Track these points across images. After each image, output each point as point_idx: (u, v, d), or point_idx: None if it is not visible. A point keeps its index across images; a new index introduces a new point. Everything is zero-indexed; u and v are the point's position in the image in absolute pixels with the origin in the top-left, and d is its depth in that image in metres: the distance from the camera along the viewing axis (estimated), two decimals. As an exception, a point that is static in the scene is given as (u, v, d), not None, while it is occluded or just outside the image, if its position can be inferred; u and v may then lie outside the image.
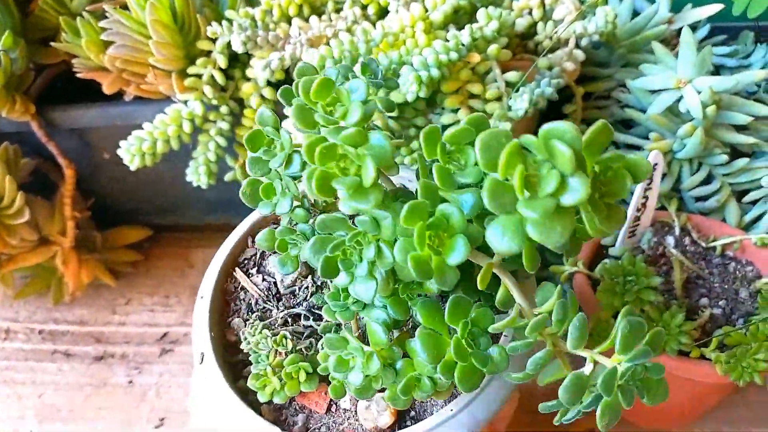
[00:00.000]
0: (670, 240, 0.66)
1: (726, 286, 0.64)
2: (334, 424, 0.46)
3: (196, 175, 0.72)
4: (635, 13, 0.80)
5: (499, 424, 0.50)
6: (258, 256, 0.55)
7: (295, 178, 0.43)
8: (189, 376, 0.75)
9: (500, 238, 0.30)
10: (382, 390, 0.42)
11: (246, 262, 0.55)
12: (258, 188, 0.44)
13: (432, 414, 0.45)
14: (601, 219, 0.31)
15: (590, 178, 0.29)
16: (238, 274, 0.54)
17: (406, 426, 0.44)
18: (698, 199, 0.71)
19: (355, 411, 0.46)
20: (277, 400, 0.44)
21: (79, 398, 0.75)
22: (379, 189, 0.34)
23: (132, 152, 0.69)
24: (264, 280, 0.53)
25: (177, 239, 0.93)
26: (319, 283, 0.52)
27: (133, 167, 0.70)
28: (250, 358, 0.47)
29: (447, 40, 0.60)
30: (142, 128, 0.70)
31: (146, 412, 0.73)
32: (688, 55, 0.67)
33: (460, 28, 0.63)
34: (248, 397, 0.46)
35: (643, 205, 0.64)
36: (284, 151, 0.41)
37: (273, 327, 0.49)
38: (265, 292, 0.52)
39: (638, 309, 0.55)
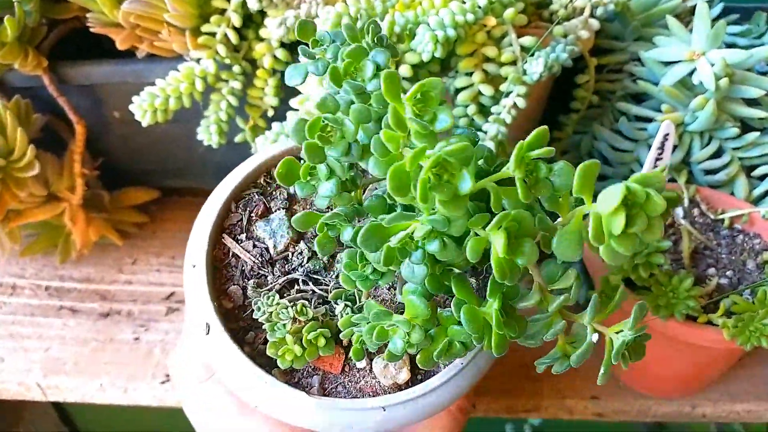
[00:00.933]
0: (679, 211, 0.67)
1: (733, 257, 0.64)
2: (350, 383, 0.47)
3: (207, 133, 0.72)
4: (650, -13, 0.80)
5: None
6: (245, 221, 0.53)
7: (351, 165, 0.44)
8: (195, 334, 0.76)
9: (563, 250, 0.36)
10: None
11: (233, 227, 0.54)
12: (294, 168, 0.44)
13: (439, 369, 0.47)
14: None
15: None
16: (227, 240, 0.52)
17: (419, 381, 0.47)
18: (708, 172, 0.71)
19: (370, 370, 0.48)
20: (296, 366, 0.45)
21: (85, 353, 0.75)
22: (467, 198, 0.35)
23: (144, 108, 0.69)
24: (255, 246, 0.52)
25: (184, 202, 0.93)
26: (314, 249, 0.51)
27: (144, 123, 0.70)
28: (263, 325, 0.47)
29: (464, 2, 0.60)
30: (155, 85, 0.70)
31: (152, 368, 0.74)
32: (702, 27, 0.67)
33: (477, -9, 0.63)
34: (257, 361, 0.46)
35: (653, 175, 0.65)
36: (344, 140, 0.42)
37: (270, 293, 0.49)
38: (258, 258, 0.51)
39: (647, 273, 0.56)
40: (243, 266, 0.51)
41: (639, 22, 0.77)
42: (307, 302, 0.48)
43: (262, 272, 0.51)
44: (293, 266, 0.51)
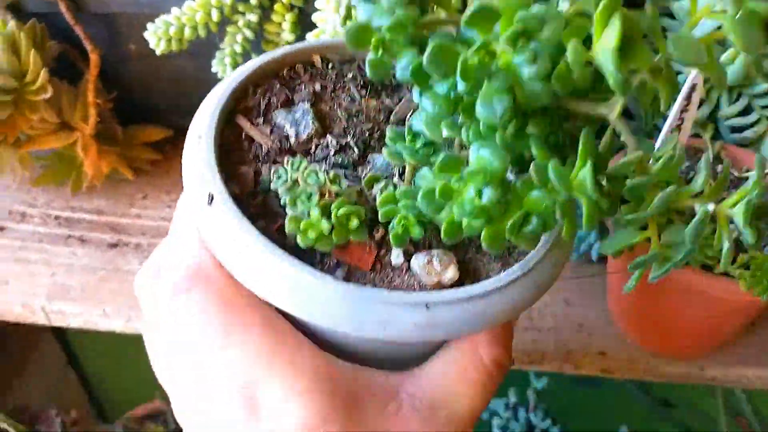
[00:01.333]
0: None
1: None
2: (382, 281, 0.41)
3: (222, 65, 0.71)
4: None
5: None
6: (263, 106, 0.48)
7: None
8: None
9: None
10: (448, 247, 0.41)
11: (248, 111, 0.48)
12: None
13: (485, 276, 0.42)
14: None
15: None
16: (242, 120, 0.47)
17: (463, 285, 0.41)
18: (734, 129, 0.69)
19: (407, 269, 0.42)
20: (320, 247, 0.39)
21: (92, 281, 0.75)
22: None
23: (158, 35, 0.68)
24: (273, 132, 0.47)
25: (198, 142, 0.92)
26: (343, 143, 0.48)
27: (158, 51, 0.69)
28: (278, 211, 0.41)
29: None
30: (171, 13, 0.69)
31: (155, 300, 0.73)
32: (740, -26, 0.64)
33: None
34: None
35: (678, 127, 0.62)
36: None
37: (293, 158, 0.44)
38: (277, 143, 0.46)
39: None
40: (257, 150, 0.46)
41: (672, -25, 0.74)
42: (341, 175, 0.42)
43: (278, 159, 0.46)
44: (316, 159, 0.46)
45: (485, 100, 0.31)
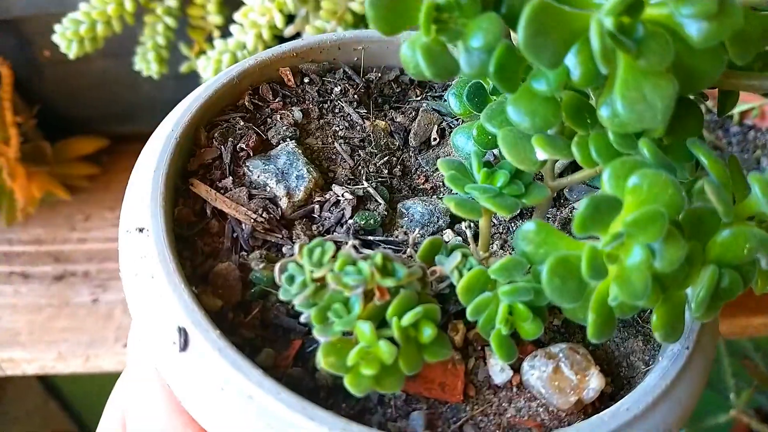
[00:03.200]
0: (684, 108, 0.59)
1: (746, 156, 0.57)
2: (487, 416, 0.26)
3: (145, 62, 0.64)
4: None
5: None
6: (227, 159, 0.33)
7: None
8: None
9: None
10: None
11: (205, 170, 0.33)
12: None
13: (627, 366, 0.29)
14: None
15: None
16: (201, 189, 0.31)
17: (604, 395, 0.28)
18: None
19: (517, 385, 0.27)
20: (384, 390, 0.24)
21: (40, 320, 0.69)
22: None
23: (68, 37, 0.60)
24: (252, 197, 0.32)
25: (137, 149, 0.82)
26: (360, 193, 0.33)
27: (71, 54, 0.61)
28: (293, 327, 0.27)
29: None
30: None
31: (113, 331, 0.67)
32: None
33: None
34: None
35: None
36: None
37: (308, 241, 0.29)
38: (264, 216, 0.31)
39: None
40: (234, 231, 0.31)
41: None
42: (393, 258, 0.26)
43: (271, 239, 0.31)
44: (326, 225, 0.32)
45: (629, 93, 0.19)
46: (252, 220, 0.31)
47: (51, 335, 0.67)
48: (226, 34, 0.65)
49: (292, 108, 0.37)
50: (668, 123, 0.21)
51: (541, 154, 0.24)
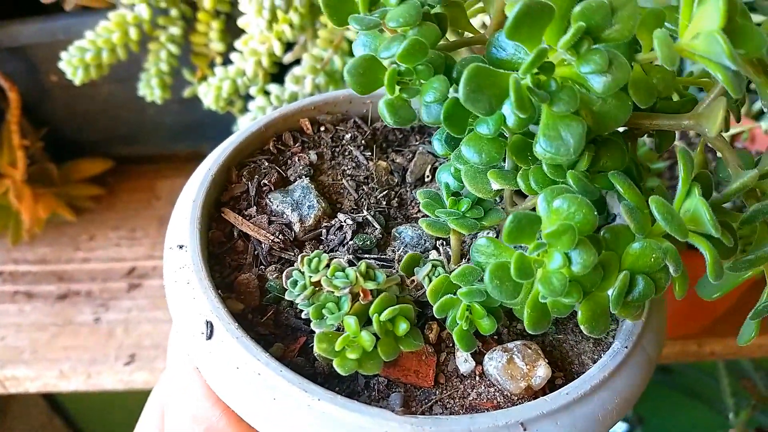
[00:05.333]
0: (676, 132, 0.61)
1: (735, 179, 0.58)
2: (452, 399, 0.31)
3: (148, 88, 0.65)
4: None
5: None
6: (253, 192, 0.40)
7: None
8: (158, 309, 0.70)
9: None
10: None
11: (235, 201, 0.40)
12: None
13: (578, 363, 0.33)
14: None
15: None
16: (230, 215, 0.39)
17: (556, 386, 0.31)
18: (703, 89, 0.65)
19: (480, 374, 0.32)
20: (365, 372, 0.30)
21: (43, 339, 0.70)
22: None
23: (74, 64, 0.62)
24: (271, 222, 0.38)
25: (141, 170, 0.86)
26: (360, 220, 0.39)
27: (77, 81, 0.63)
28: (297, 327, 0.33)
29: None
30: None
31: (114, 350, 0.68)
32: None
33: None
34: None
35: None
36: None
37: (309, 255, 0.35)
38: (279, 237, 0.37)
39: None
40: (256, 249, 0.37)
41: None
42: (374, 264, 0.33)
43: (285, 256, 0.37)
44: (331, 246, 0.38)
45: (549, 132, 0.24)
46: (270, 241, 0.37)
47: (54, 353, 0.68)
48: (228, 60, 0.67)
49: (309, 151, 0.43)
50: (595, 157, 0.27)
51: (495, 185, 0.29)
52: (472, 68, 0.23)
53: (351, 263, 0.34)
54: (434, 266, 0.33)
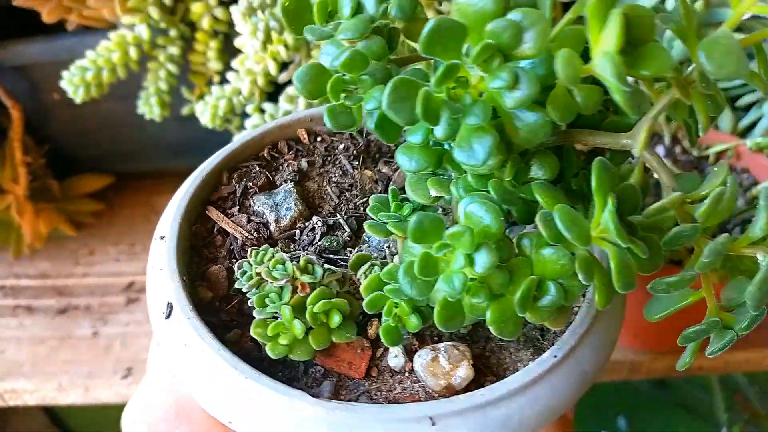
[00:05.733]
0: (661, 150, 0.62)
1: (721, 195, 0.59)
2: (380, 391, 0.33)
3: (148, 106, 0.67)
4: None
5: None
6: (239, 193, 0.43)
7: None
8: (156, 323, 0.71)
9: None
10: (457, 338, 0.34)
11: (222, 201, 0.43)
12: (307, 4, 0.31)
13: (513, 369, 0.34)
14: None
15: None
16: (213, 213, 0.41)
17: (484, 386, 0.32)
18: (689, 106, 0.66)
19: (410, 371, 0.34)
20: (296, 357, 0.33)
21: (43, 352, 0.71)
22: None
23: (75, 83, 0.64)
24: (250, 221, 0.41)
25: (141, 186, 0.88)
26: (330, 223, 0.41)
27: (78, 99, 0.65)
28: (254, 307, 0.34)
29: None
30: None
31: (112, 363, 0.69)
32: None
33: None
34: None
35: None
36: None
37: (258, 248, 0.38)
38: (253, 234, 0.40)
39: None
40: (231, 245, 0.40)
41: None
42: (314, 260, 0.36)
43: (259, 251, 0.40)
44: (302, 245, 0.40)
45: (462, 143, 0.25)
46: (244, 237, 0.40)
47: (52, 367, 0.69)
48: (225, 79, 0.69)
49: (301, 159, 0.45)
50: (525, 168, 0.29)
51: (433, 192, 0.31)
52: (395, 80, 0.25)
53: (311, 261, 0.36)
54: (372, 265, 0.35)
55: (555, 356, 0.32)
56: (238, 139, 0.45)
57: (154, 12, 0.63)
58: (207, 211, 0.42)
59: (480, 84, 0.25)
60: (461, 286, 0.26)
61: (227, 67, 0.67)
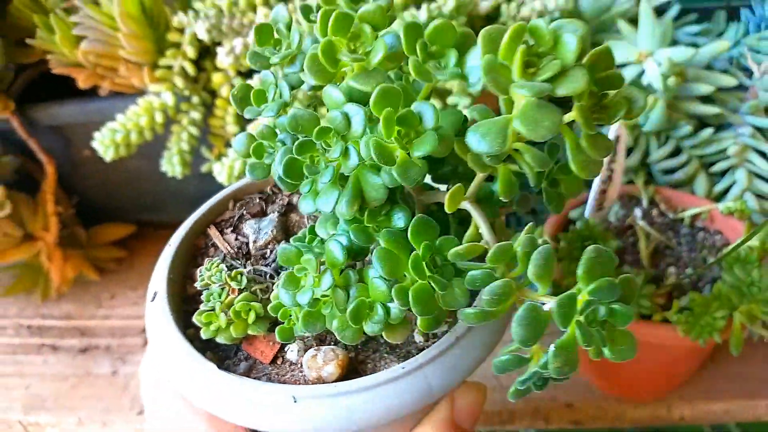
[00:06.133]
0: (638, 212, 0.67)
1: (693, 255, 0.64)
2: (276, 375, 0.43)
3: (170, 165, 0.74)
4: (603, -7, 0.81)
5: (466, 421, 0.44)
6: (236, 218, 0.53)
7: (293, 88, 0.42)
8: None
9: (480, 139, 0.30)
10: (334, 343, 0.42)
11: (223, 222, 0.53)
12: (249, 93, 0.42)
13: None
14: (589, 141, 0.30)
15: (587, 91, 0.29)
16: (212, 231, 0.52)
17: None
18: (667, 171, 0.71)
19: (301, 365, 0.43)
20: (220, 340, 0.43)
21: (64, 388, 0.76)
22: (382, 75, 0.34)
23: (106, 144, 0.71)
24: (237, 239, 0.51)
25: (160, 236, 0.93)
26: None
27: (108, 158, 0.71)
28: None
29: (404, 19, 0.61)
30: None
31: (128, 401, 0.74)
32: (647, 27, 0.68)
33: (420, 8, 0.64)
34: (195, 343, 0.43)
35: (609, 178, 0.65)
36: (290, 49, 0.40)
37: (212, 260, 0.48)
38: (235, 250, 0.50)
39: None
40: (217, 256, 0.50)
41: (594, 28, 0.78)
42: (244, 272, 0.46)
43: (234, 263, 0.50)
44: (267, 262, 0.49)
45: (321, 196, 0.35)
46: (227, 250, 0.49)
47: (73, 402, 0.74)
48: (241, 140, 0.76)
49: (293, 196, 0.54)
50: (390, 210, 0.38)
51: (322, 232, 0.40)
52: (287, 156, 0.35)
53: (270, 277, 0.47)
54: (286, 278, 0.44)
55: (403, 368, 0.38)
56: (248, 178, 0.53)
57: (179, 81, 0.70)
58: (208, 229, 0.52)
59: (325, 155, 0.35)
60: (309, 299, 0.36)
61: (243, 130, 0.74)
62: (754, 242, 0.58)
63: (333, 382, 0.40)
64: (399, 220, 0.37)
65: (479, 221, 0.36)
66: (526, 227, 0.33)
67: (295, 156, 0.35)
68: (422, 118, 0.33)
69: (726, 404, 0.69)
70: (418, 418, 0.43)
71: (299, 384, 0.40)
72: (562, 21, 0.29)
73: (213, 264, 0.45)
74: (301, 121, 0.36)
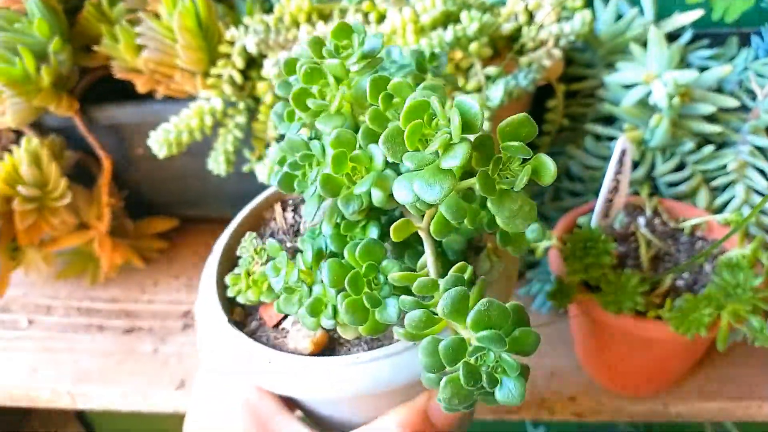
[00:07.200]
0: (641, 221, 0.72)
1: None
2: (272, 338, 0.49)
3: (216, 163, 0.81)
4: (619, 17, 0.87)
5: (439, 420, 0.46)
6: (300, 200, 0.60)
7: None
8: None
9: (400, 190, 0.34)
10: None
11: (291, 201, 0.60)
12: (284, 112, 0.49)
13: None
14: (497, 204, 0.33)
15: (491, 160, 0.32)
16: (277, 207, 0.59)
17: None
18: (671, 185, 0.77)
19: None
20: (240, 300, 0.49)
21: (110, 364, 0.83)
22: (343, 117, 0.41)
23: (160, 142, 0.78)
24: (294, 218, 0.57)
25: (201, 230, 1.02)
26: None
27: (161, 155, 0.79)
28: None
29: (431, 38, 0.68)
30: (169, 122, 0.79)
31: (168, 376, 0.81)
32: (656, 51, 0.74)
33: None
34: (227, 300, 0.51)
35: (616, 188, 0.71)
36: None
37: (253, 234, 0.54)
38: (287, 227, 0.57)
39: (599, 272, 0.61)
40: (273, 229, 0.57)
41: (607, 51, 0.84)
42: (266, 248, 0.50)
43: (283, 237, 0.56)
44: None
45: (307, 207, 0.43)
46: (280, 224, 0.57)
47: (118, 376, 0.82)
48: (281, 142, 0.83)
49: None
50: (358, 228, 0.46)
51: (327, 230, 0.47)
52: (284, 174, 0.43)
53: (264, 248, 0.52)
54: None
55: (357, 358, 0.43)
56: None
57: (227, 88, 0.78)
58: (275, 204, 0.59)
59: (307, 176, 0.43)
60: (281, 287, 0.44)
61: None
62: (746, 251, 0.63)
63: (307, 354, 0.46)
64: (373, 233, 0.44)
65: (427, 250, 0.40)
66: (456, 266, 0.38)
67: (288, 171, 0.43)
68: (373, 158, 0.39)
69: (720, 403, 0.73)
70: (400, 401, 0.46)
71: (282, 350, 0.46)
72: (461, 97, 0.32)
73: (248, 240, 0.51)
74: (294, 146, 0.43)
